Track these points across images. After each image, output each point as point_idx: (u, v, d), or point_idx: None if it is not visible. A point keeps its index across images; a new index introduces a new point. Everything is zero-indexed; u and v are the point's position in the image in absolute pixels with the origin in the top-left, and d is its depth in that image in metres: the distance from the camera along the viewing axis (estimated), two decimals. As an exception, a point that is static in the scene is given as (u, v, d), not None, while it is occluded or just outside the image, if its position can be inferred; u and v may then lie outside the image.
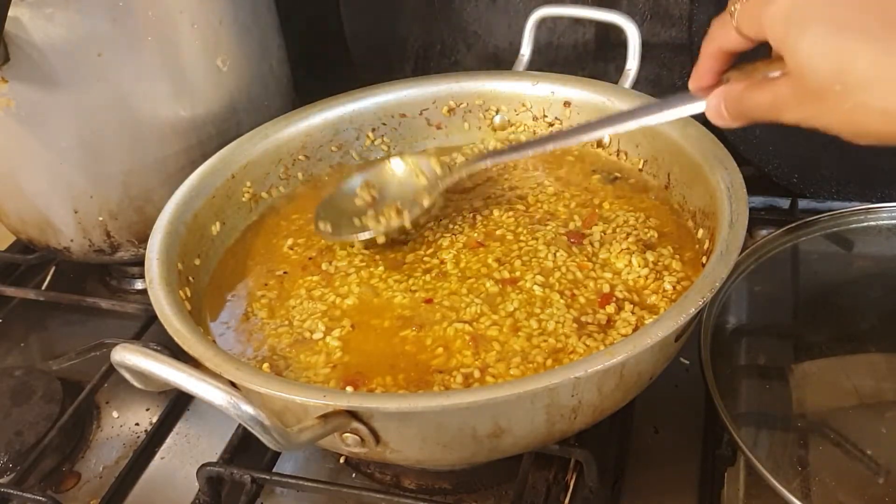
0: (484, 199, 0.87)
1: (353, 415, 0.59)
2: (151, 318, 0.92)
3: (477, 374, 0.67)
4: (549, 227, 0.81)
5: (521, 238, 0.80)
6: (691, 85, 0.64)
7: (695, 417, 0.78)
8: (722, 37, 0.60)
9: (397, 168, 0.86)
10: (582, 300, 0.73)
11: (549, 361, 0.67)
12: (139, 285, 1.05)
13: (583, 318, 0.71)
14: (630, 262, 0.75)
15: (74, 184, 0.90)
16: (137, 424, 0.88)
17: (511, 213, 0.84)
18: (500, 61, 1.14)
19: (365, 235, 0.80)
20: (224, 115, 0.94)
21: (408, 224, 0.81)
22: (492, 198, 0.87)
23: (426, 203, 0.81)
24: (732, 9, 0.58)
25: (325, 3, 1.20)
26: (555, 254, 0.77)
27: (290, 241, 0.85)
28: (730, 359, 0.80)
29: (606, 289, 0.73)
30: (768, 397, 0.78)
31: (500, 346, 0.69)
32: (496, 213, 0.84)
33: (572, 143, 0.80)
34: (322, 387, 0.67)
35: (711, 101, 0.62)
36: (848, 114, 0.51)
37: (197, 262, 0.80)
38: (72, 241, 0.95)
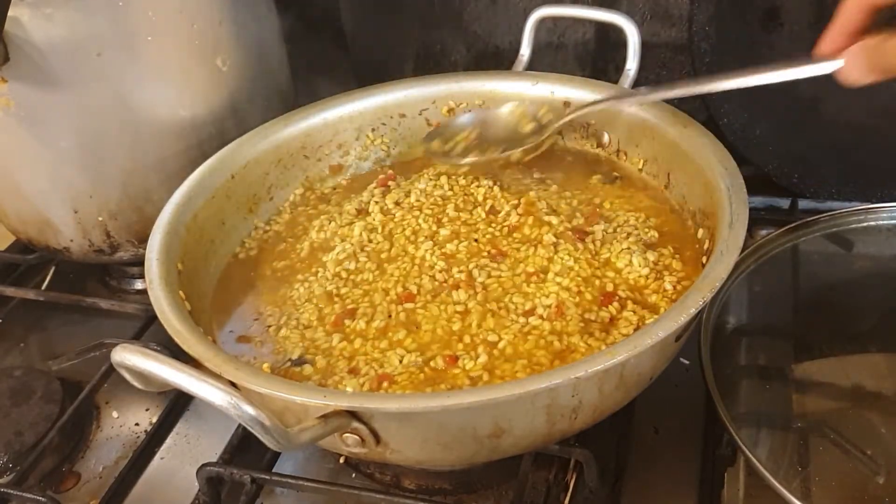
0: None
1: (353, 415, 0.59)
2: (151, 319, 0.92)
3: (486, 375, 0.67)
4: (553, 223, 0.81)
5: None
6: (824, 47, 0.62)
7: (695, 417, 0.78)
8: None
9: (505, 112, 0.91)
10: (588, 297, 0.73)
11: (556, 361, 0.67)
12: (139, 285, 1.05)
13: (587, 316, 0.71)
14: (631, 261, 0.75)
15: (74, 184, 0.90)
16: (137, 424, 0.88)
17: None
18: (500, 61, 1.14)
19: (469, 160, 0.87)
20: (224, 115, 0.94)
21: (508, 157, 0.88)
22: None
23: (528, 144, 0.88)
24: None
25: (325, 3, 1.20)
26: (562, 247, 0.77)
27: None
28: (730, 359, 0.80)
29: (609, 287, 0.73)
30: (768, 397, 0.78)
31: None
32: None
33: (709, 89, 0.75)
34: (322, 387, 0.67)
35: (851, 53, 0.60)
36: None
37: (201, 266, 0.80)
38: (71, 241, 0.95)
